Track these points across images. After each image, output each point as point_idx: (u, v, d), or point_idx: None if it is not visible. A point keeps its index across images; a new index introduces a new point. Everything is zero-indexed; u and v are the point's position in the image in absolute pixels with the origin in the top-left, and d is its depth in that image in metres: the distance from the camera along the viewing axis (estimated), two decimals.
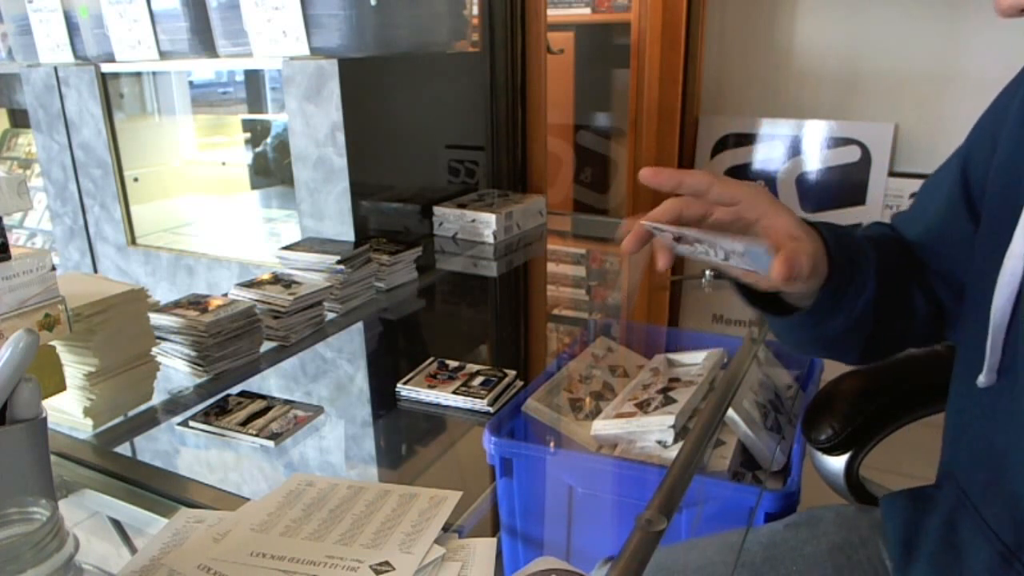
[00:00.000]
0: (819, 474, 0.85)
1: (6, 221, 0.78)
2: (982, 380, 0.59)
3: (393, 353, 1.28)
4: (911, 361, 0.87)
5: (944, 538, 0.64)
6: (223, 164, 2.19)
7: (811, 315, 0.64)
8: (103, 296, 0.91)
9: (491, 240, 1.57)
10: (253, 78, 2.15)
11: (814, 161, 2.44)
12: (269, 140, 2.19)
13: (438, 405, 0.96)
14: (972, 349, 0.61)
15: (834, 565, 0.75)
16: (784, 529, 0.81)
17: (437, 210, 1.62)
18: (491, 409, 0.93)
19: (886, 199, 2.26)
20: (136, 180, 1.91)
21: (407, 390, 0.97)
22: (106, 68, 1.78)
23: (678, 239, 0.60)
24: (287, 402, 0.93)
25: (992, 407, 0.59)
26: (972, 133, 0.69)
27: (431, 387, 0.97)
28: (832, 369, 1.02)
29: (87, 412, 0.89)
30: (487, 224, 1.57)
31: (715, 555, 0.78)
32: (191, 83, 2.10)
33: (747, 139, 2.52)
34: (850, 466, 0.82)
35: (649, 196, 2.47)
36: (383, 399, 1.05)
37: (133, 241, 1.91)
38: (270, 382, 1.03)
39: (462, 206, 1.61)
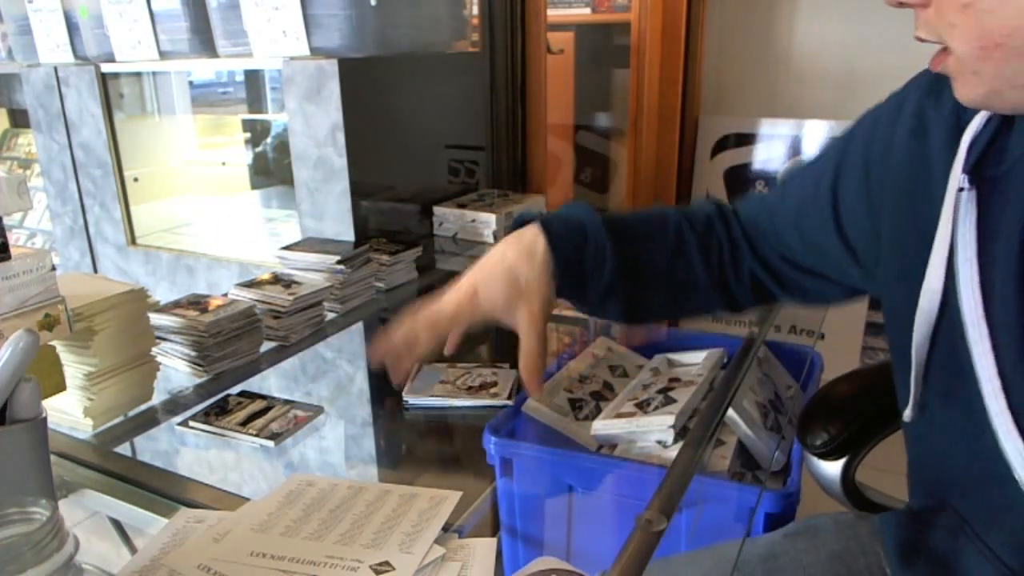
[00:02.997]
0: (815, 480, 0.84)
1: (6, 221, 0.78)
2: (907, 415, 0.62)
3: None
4: None
5: (944, 562, 0.63)
6: (223, 164, 2.19)
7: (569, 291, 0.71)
8: (103, 296, 0.91)
9: (491, 240, 1.57)
10: (253, 78, 2.15)
11: None
12: (269, 140, 2.19)
13: (451, 408, 0.97)
14: (900, 384, 0.64)
15: (834, 574, 0.74)
16: (783, 539, 0.80)
17: (437, 210, 1.62)
18: (510, 402, 0.96)
19: None
20: (136, 180, 1.91)
21: (415, 399, 0.97)
22: (106, 68, 1.78)
23: None
24: (287, 402, 0.93)
25: (958, 435, 0.59)
26: (846, 144, 0.69)
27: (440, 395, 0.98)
28: (831, 370, 1.02)
29: (87, 412, 0.89)
30: (487, 224, 1.57)
31: (713, 568, 0.78)
32: (191, 83, 2.10)
33: (747, 139, 2.52)
34: (846, 471, 0.81)
35: (649, 196, 2.47)
36: (385, 401, 1.04)
37: (133, 241, 1.91)
38: (270, 382, 1.03)
39: (462, 206, 1.61)
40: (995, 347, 0.52)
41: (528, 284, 0.66)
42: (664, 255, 0.73)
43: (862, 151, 0.66)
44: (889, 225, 0.63)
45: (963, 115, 0.56)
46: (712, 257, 0.74)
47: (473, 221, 1.58)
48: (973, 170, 0.54)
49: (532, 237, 0.68)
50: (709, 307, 0.78)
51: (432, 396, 0.97)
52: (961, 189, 0.54)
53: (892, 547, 0.71)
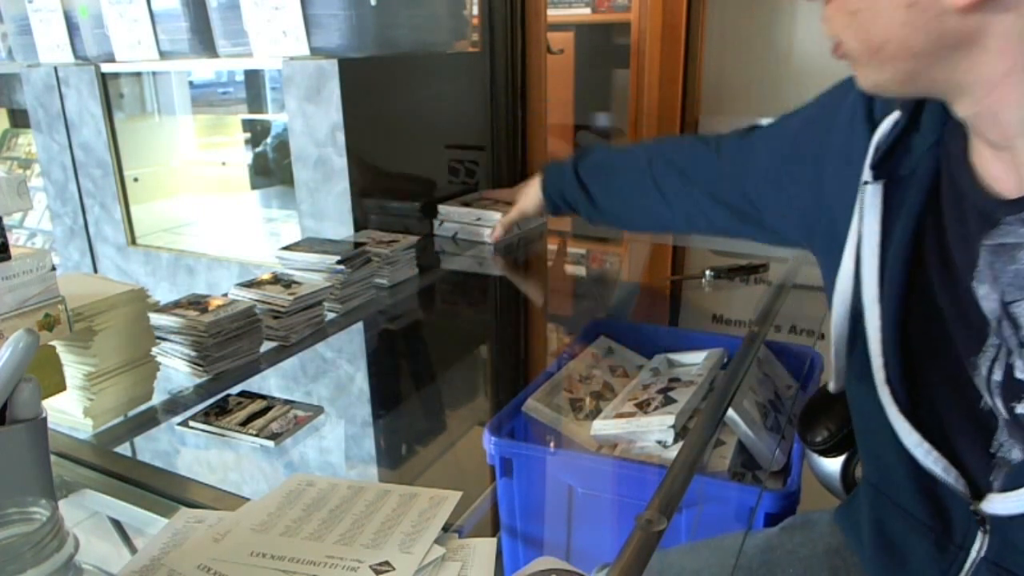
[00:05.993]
0: (815, 476, 0.85)
1: (6, 221, 0.78)
2: (832, 386, 0.70)
3: (393, 353, 1.28)
4: None
5: (878, 540, 0.66)
6: (223, 164, 2.19)
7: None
8: (103, 296, 0.91)
9: (490, 240, 1.57)
10: (253, 78, 2.15)
11: None
12: (269, 140, 2.19)
13: None
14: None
15: (830, 567, 0.75)
16: (780, 533, 0.81)
17: (442, 208, 1.61)
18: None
19: None
20: (136, 180, 1.91)
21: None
22: (106, 68, 1.78)
23: None
24: (287, 402, 0.93)
25: (871, 411, 0.62)
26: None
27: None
28: (830, 369, 1.02)
29: (87, 412, 0.89)
30: (491, 222, 1.56)
31: (712, 559, 0.78)
32: (191, 83, 2.10)
33: None
34: (846, 468, 0.82)
35: None
36: (383, 399, 1.04)
37: (133, 241, 1.91)
38: (270, 382, 1.03)
39: (466, 204, 1.61)
40: (883, 327, 0.58)
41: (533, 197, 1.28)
42: (633, 201, 1.07)
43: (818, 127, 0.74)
44: (818, 202, 0.71)
45: (877, 114, 0.63)
46: (678, 205, 1.01)
47: (478, 219, 1.57)
48: (881, 166, 0.60)
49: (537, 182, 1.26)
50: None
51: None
52: (866, 183, 0.60)
53: (850, 536, 0.74)
